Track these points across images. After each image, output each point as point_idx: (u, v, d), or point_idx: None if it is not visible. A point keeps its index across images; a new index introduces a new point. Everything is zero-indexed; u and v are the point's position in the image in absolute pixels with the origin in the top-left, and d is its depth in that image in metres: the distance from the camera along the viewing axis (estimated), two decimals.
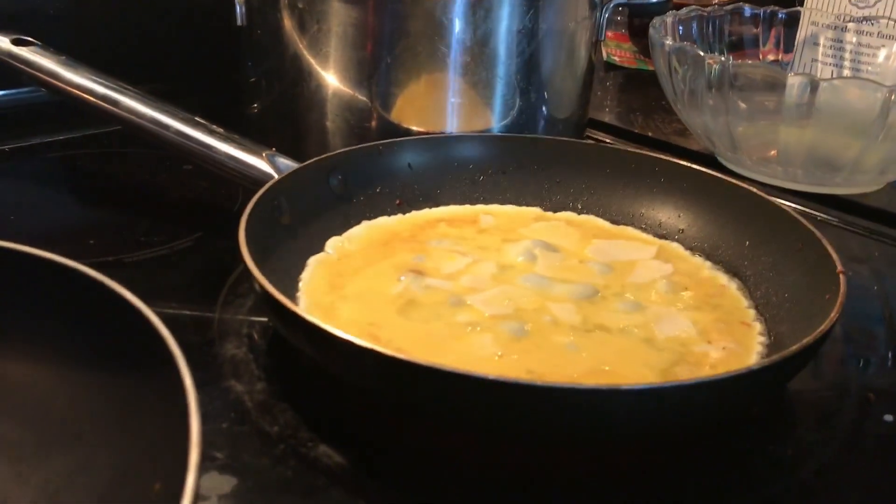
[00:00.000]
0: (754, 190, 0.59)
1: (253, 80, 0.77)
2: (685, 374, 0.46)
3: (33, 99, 0.83)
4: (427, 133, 0.70)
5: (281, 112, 0.74)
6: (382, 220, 0.62)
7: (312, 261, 0.56)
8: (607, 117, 0.93)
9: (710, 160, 0.79)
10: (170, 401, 0.31)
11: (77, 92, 0.64)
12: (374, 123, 0.70)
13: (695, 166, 0.63)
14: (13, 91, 0.83)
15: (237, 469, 0.39)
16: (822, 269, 0.50)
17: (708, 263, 0.58)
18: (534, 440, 0.41)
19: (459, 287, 0.53)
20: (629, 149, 0.68)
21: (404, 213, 0.63)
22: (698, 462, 0.43)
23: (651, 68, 1.21)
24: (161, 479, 0.30)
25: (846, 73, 0.81)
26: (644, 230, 0.63)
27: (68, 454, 0.33)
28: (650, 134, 0.89)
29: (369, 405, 0.44)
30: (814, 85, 0.68)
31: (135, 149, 0.79)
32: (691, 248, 0.60)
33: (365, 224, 0.61)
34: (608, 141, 0.86)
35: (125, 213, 0.67)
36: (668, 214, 0.63)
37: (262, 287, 0.42)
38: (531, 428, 0.38)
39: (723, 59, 0.69)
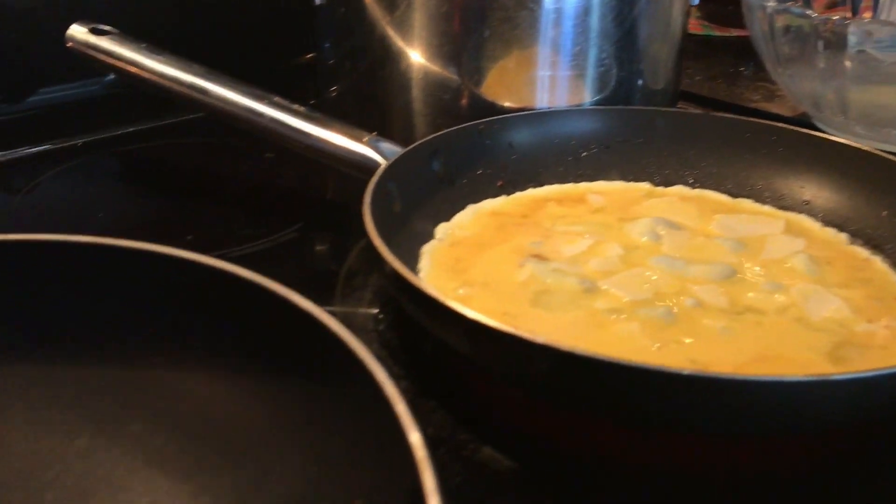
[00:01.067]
0: (891, 157, 0.55)
1: (332, 62, 0.74)
2: (856, 356, 0.42)
3: (92, 92, 0.81)
4: (521, 110, 0.67)
5: (364, 94, 0.71)
6: (487, 203, 0.59)
7: (427, 249, 0.53)
8: (690, 87, 0.90)
9: (807, 127, 0.76)
10: (362, 413, 0.28)
11: (163, 81, 0.61)
12: (463, 102, 0.67)
13: (818, 134, 0.60)
14: (75, 84, 0.81)
15: None
16: None
17: (843, 236, 0.55)
18: (724, 436, 0.38)
19: (589, 271, 0.50)
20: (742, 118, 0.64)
21: (508, 194, 0.60)
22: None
23: (718, 34, 1.17)
24: (361, 496, 0.27)
25: None
26: (764, 203, 0.59)
27: (249, 466, 0.31)
28: (737, 102, 0.85)
29: (526, 400, 0.41)
30: None
31: (210, 139, 0.77)
32: (820, 221, 0.57)
33: (471, 208, 0.58)
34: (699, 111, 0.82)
35: (216, 205, 0.64)
36: (789, 186, 0.60)
37: (410, 285, 0.40)
38: (725, 424, 0.35)
39: (837, 18, 0.65)
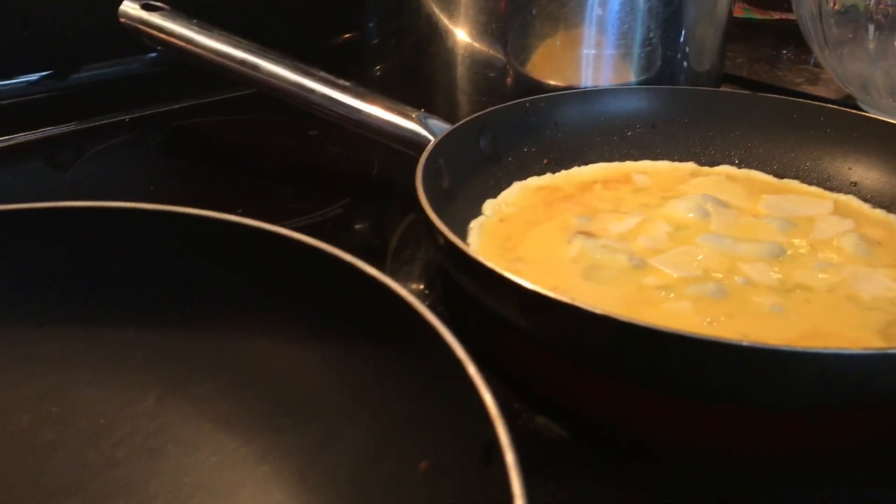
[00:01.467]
0: None
1: (376, 41, 0.75)
2: None
3: (138, 69, 0.82)
4: (566, 88, 0.67)
5: (409, 72, 0.72)
6: (533, 181, 0.59)
7: (475, 224, 0.54)
8: (732, 69, 0.89)
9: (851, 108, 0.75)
10: (429, 376, 0.29)
11: (214, 57, 0.62)
12: (508, 80, 0.68)
13: (868, 114, 0.59)
14: (121, 60, 0.82)
15: None
16: None
17: (893, 217, 0.55)
18: (775, 410, 0.39)
19: (637, 248, 0.50)
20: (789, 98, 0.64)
21: (553, 172, 0.61)
22: None
23: (759, 16, 1.16)
24: (428, 456, 0.28)
25: None
26: (811, 184, 0.59)
27: (315, 428, 0.31)
28: (780, 84, 0.85)
29: (578, 372, 0.41)
30: None
31: (252, 115, 0.78)
32: (869, 202, 0.57)
33: (517, 185, 0.59)
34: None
35: (263, 180, 0.65)
36: (837, 167, 0.59)
37: (467, 257, 0.40)
38: (779, 397, 0.35)
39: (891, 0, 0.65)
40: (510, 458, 0.23)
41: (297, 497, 0.31)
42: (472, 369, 0.26)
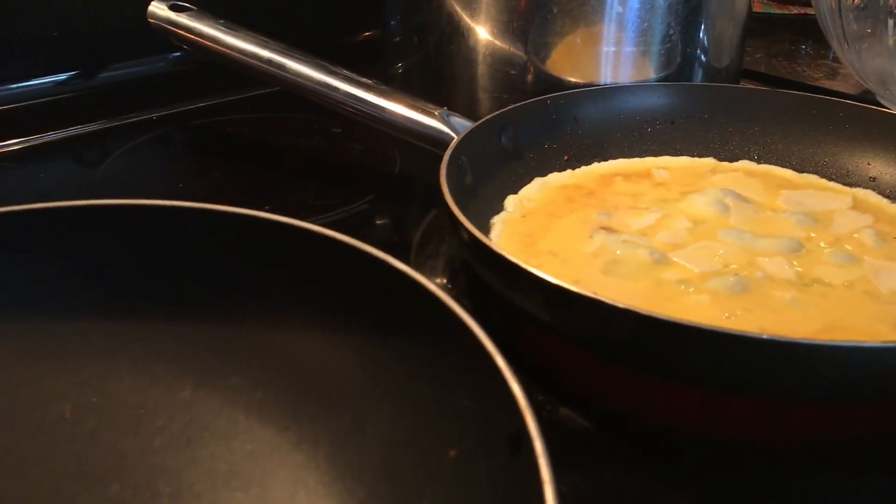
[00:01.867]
0: None
1: (398, 38, 0.76)
2: None
3: (163, 68, 0.84)
4: (586, 85, 0.68)
5: (429, 69, 0.73)
6: (554, 177, 0.60)
7: (497, 220, 0.54)
8: (750, 65, 0.89)
9: (872, 105, 0.75)
10: (457, 367, 0.30)
11: (241, 56, 0.63)
12: (529, 77, 0.68)
13: (887, 110, 0.60)
14: (146, 60, 0.84)
15: None
16: None
17: None
18: (795, 402, 0.39)
19: (658, 243, 0.51)
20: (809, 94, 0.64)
21: (574, 168, 0.62)
22: None
23: (778, 11, 1.16)
24: (456, 444, 0.29)
25: None
26: (830, 179, 0.60)
27: (346, 417, 0.33)
28: (799, 79, 0.85)
29: (600, 365, 0.42)
30: None
31: (276, 113, 0.79)
32: (888, 197, 0.57)
33: (538, 181, 0.59)
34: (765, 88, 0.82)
35: (288, 177, 0.66)
36: (855, 162, 0.60)
37: (492, 252, 0.41)
38: (798, 389, 0.36)
39: None
40: (539, 446, 0.24)
41: (329, 484, 0.32)
42: (500, 361, 0.27)
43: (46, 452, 0.34)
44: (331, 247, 0.33)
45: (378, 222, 0.59)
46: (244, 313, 0.38)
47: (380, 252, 0.33)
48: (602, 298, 0.36)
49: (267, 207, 0.60)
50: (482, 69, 0.69)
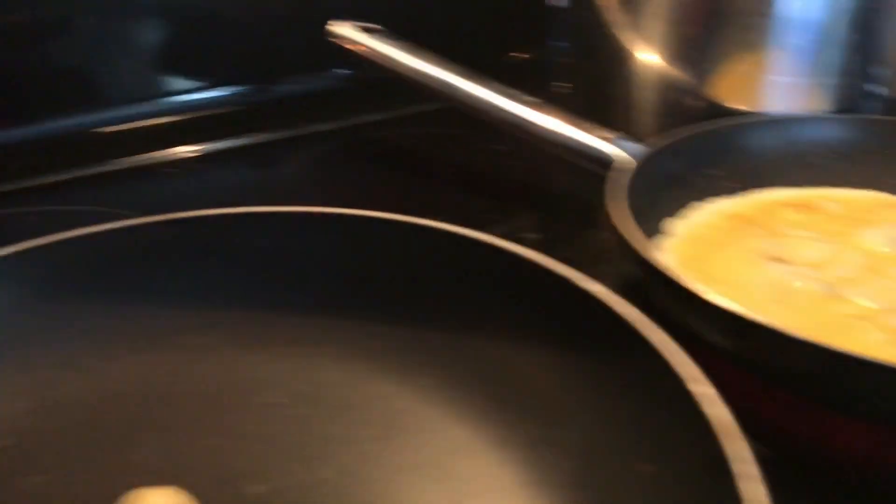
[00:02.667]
0: None
1: (561, 60, 0.78)
2: None
3: (333, 84, 0.89)
4: (753, 114, 0.68)
5: (593, 91, 0.75)
6: (720, 204, 0.61)
7: (663, 245, 0.56)
8: None
9: None
10: (653, 388, 0.31)
11: (419, 78, 0.67)
12: (695, 103, 0.69)
13: None
14: (319, 74, 0.89)
15: None
16: None
17: None
18: None
19: (831, 277, 0.51)
20: None
21: (740, 195, 0.62)
22: None
23: None
24: (654, 461, 0.31)
25: None
26: None
27: (539, 422, 0.35)
28: None
29: (783, 395, 0.43)
30: None
31: (439, 129, 0.83)
32: None
33: (703, 207, 0.60)
34: None
35: (456, 192, 0.69)
36: None
37: (671, 280, 0.43)
38: None
39: None
40: (752, 469, 0.25)
41: (521, 486, 0.34)
42: (708, 388, 0.29)
43: (265, 432, 0.38)
44: (536, 271, 0.36)
45: (544, 242, 0.61)
46: (447, 320, 0.40)
47: (585, 278, 0.35)
48: (781, 329, 0.37)
49: (440, 220, 0.64)
50: (647, 93, 0.70)
